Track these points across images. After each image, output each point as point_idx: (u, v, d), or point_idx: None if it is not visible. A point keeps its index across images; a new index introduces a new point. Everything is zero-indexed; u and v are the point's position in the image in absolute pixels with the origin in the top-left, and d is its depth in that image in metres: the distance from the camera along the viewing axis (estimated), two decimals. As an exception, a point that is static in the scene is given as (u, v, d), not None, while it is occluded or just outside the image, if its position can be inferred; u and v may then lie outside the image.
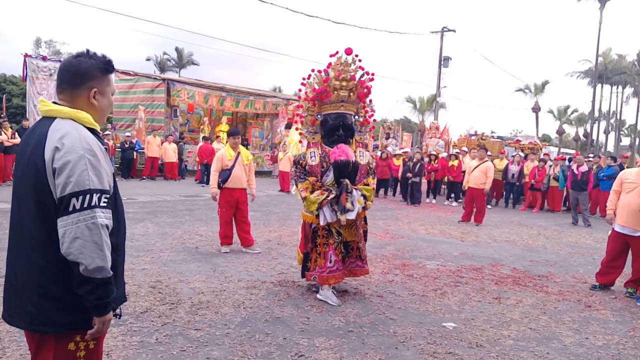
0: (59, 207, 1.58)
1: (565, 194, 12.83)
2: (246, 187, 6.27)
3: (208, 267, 5.32)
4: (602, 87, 43.10)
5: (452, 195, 13.75)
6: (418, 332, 3.76)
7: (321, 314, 4.06)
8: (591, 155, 15.81)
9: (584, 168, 10.74)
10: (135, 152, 15.53)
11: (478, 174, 9.73)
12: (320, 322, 3.86)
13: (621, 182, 5.29)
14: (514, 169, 13.26)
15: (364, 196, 4.45)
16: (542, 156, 14.60)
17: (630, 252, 5.18)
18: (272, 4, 16.81)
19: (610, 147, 48.65)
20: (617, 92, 46.16)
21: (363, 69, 4.52)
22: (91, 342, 1.73)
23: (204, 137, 16.56)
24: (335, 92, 4.45)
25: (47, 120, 1.70)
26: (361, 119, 4.71)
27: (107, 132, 14.64)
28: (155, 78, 18.36)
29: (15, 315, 1.72)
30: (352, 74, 4.49)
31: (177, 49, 43.85)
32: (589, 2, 45.80)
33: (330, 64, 4.52)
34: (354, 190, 4.34)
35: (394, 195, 14.90)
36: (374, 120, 4.97)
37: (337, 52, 4.51)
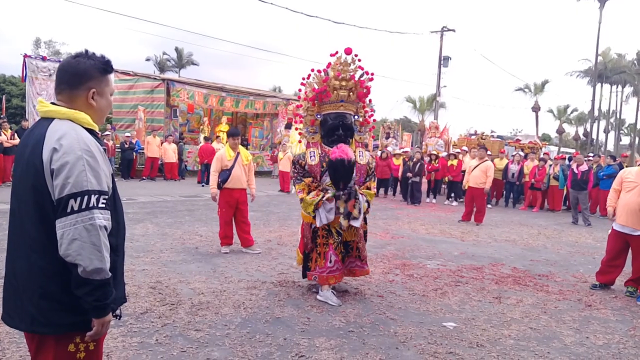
0: (57, 208, 1.58)
1: (565, 193, 12.83)
2: (246, 187, 6.27)
3: (208, 268, 5.32)
4: (601, 86, 43.11)
5: (452, 194, 13.76)
6: (418, 332, 3.75)
7: (321, 314, 4.06)
8: (591, 154, 15.79)
9: (584, 167, 10.74)
10: (135, 153, 15.52)
11: (478, 174, 9.73)
12: (320, 323, 3.86)
13: (621, 181, 5.29)
14: (514, 168, 13.26)
15: (368, 202, 4.47)
16: (541, 155, 14.59)
17: (630, 251, 5.18)
18: (272, 4, 16.82)
19: (610, 146, 48.70)
20: (616, 91, 46.23)
21: (362, 69, 4.52)
22: (91, 343, 1.73)
23: (205, 138, 16.57)
24: (335, 91, 4.44)
25: (46, 121, 1.69)
26: (361, 119, 4.70)
27: (106, 133, 14.64)
28: (154, 78, 18.36)
29: (16, 316, 1.71)
30: (351, 73, 4.48)
31: (176, 49, 43.88)
32: (588, 2, 45.79)
33: (329, 63, 4.52)
34: (360, 196, 4.34)
35: (394, 195, 14.90)
36: (374, 120, 4.96)
37: (336, 52, 4.51)
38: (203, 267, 5.32)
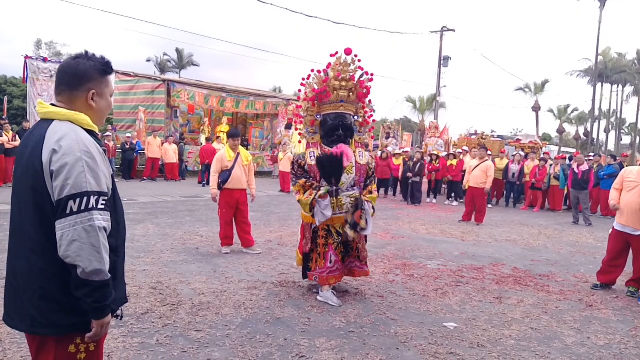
0: (57, 209, 1.58)
1: (566, 193, 12.82)
2: (246, 187, 6.27)
3: (209, 268, 5.32)
4: (602, 85, 43.07)
5: (453, 194, 13.75)
6: (419, 333, 3.75)
7: (322, 314, 4.06)
8: (592, 154, 15.77)
9: (585, 167, 10.73)
10: (135, 153, 15.54)
11: (478, 174, 9.72)
12: (321, 323, 3.86)
13: (622, 181, 5.28)
14: (514, 168, 13.26)
15: (373, 207, 4.48)
16: (541, 155, 14.58)
17: (631, 251, 5.18)
18: (271, 4, 16.84)
19: (611, 146, 48.64)
20: (617, 91, 46.19)
21: (362, 69, 4.52)
22: (91, 344, 1.73)
23: (207, 139, 16.60)
24: (335, 92, 4.45)
25: (46, 122, 1.70)
26: (360, 119, 4.70)
27: (107, 133, 14.66)
28: (155, 79, 18.38)
29: (16, 317, 1.72)
30: (351, 74, 4.48)
31: (177, 50, 43.93)
32: (588, 1, 45.78)
33: (329, 64, 4.52)
34: (366, 204, 4.35)
35: (394, 195, 14.90)
36: (374, 121, 4.97)
37: (336, 53, 4.51)
38: (204, 268, 5.32)
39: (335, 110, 4.50)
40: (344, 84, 4.45)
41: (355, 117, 4.63)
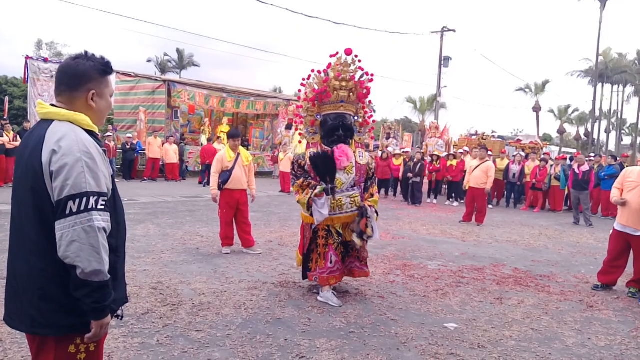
0: (57, 210, 1.58)
1: (566, 193, 12.81)
2: (246, 188, 6.27)
3: (209, 268, 5.32)
4: (602, 86, 43.05)
5: (453, 195, 13.74)
6: (419, 333, 3.75)
7: (322, 315, 4.06)
8: (592, 154, 15.76)
9: (585, 167, 10.72)
10: (136, 154, 15.55)
11: (479, 174, 9.72)
12: (321, 323, 3.86)
13: (623, 180, 5.28)
14: (515, 168, 13.25)
15: (376, 211, 4.50)
16: (541, 156, 14.58)
17: (632, 251, 5.17)
18: (272, 4, 16.85)
19: (612, 146, 48.60)
20: (617, 91, 46.16)
21: (363, 70, 4.52)
22: (91, 344, 1.73)
23: (208, 139, 16.62)
24: (335, 92, 4.45)
25: (45, 122, 1.70)
26: (360, 120, 4.71)
27: (108, 134, 14.67)
28: (156, 79, 18.40)
29: (16, 318, 1.72)
30: (351, 74, 4.48)
31: (178, 50, 43.96)
32: (589, 2, 45.78)
33: (330, 64, 4.52)
34: (368, 208, 4.36)
35: (394, 195, 14.89)
36: (374, 121, 4.97)
37: (337, 53, 4.52)
38: (204, 268, 5.32)
39: (336, 110, 4.50)
40: (344, 84, 4.44)
41: (356, 118, 4.63)
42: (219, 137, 16.60)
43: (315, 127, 4.62)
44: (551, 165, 12.88)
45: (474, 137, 17.26)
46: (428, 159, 14.02)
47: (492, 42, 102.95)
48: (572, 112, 48.92)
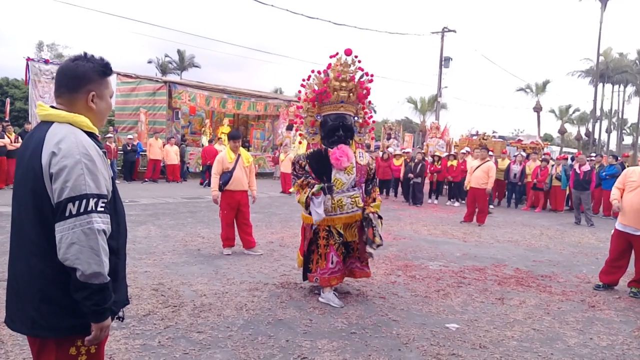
0: (56, 212, 1.58)
1: (567, 193, 12.80)
2: (247, 189, 6.27)
3: (210, 270, 5.32)
4: (603, 86, 43.01)
5: (454, 195, 13.72)
6: (421, 334, 3.74)
7: (324, 315, 4.05)
8: (593, 154, 15.75)
9: (586, 167, 10.71)
10: (137, 155, 15.55)
11: (480, 174, 9.71)
12: (322, 324, 3.85)
13: (624, 180, 5.27)
14: (516, 168, 13.24)
15: (380, 217, 4.51)
16: (542, 156, 14.56)
17: (633, 251, 5.16)
18: (272, 5, 16.88)
19: (613, 146, 48.56)
20: (618, 91, 46.12)
21: (362, 70, 4.52)
22: (92, 346, 1.72)
23: (209, 140, 16.62)
24: (335, 92, 4.45)
25: (45, 124, 1.69)
26: (360, 120, 4.71)
27: (109, 135, 14.68)
28: (157, 80, 18.41)
29: (17, 320, 1.72)
30: (351, 74, 4.48)
31: (178, 52, 44.02)
32: (590, 2, 45.71)
33: (330, 64, 4.52)
34: (372, 218, 4.38)
35: (395, 196, 14.88)
36: (374, 122, 4.96)
37: (336, 53, 4.52)
38: (205, 269, 5.32)
39: (336, 110, 4.50)
40: (344, 84, 4.44)
41: (355, 118, 4.63)
42: (219, 138, 16.61)
43: (315, 127, 4.62)
44: (552, 165, 12.86)
45: (474, 138, 17.25)
46: (429, 159, 14.00)
47: (492, 42, 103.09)
48: (573, 112, 48.93)
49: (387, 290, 4.86)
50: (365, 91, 4.57)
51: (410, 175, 12.76)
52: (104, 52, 1.81)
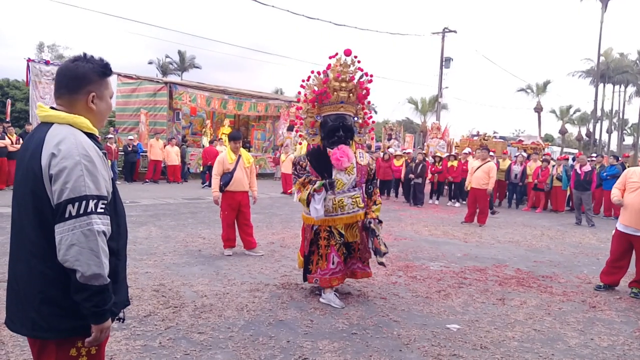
0: (56, 213, 1.58)
1: (568, 194, 12.78)
2: (248, 190, 6.27)
3: (211, 270, 5.32)
4: (604, 86, 42.99)
5: (455, 195, 13.72)
6: (422, 334, 3.74)
7: (324, 316, 4.05)
8: (594, 154, 15.74)
9: (587, 168, 10.70)
10: (137, 156, 15.56)
11: (480, 175, 9.70)
12: (323, 325, 3.85)
13: (625, 181, 5.26)
14: (517, 169, 13.23)
15: (380, 220, 4.57)
16: (543, 156, 14.55)
17: (634, 251, 5.15)
18: (273, 6, 16.86)
19: (613, 147, 48.50)
20: (619, 91, 46.05)
21: (362, 70, 4.52)
22: (93, 347, 1.72)
23: (210, 141, 16.62)
24: (335, 93, 4.45)
25: (45, 125, 1.69)
26: (360, 121, 4.71)
27: (110, 136, 14.70)
28: (157, 81, 18.42)
29: (17, 321, 1.71)
30: (351, 75, 4.48)
31: (179, 52, 44.09)
32: (590, 2, 45.68)
33: (329, 65, 4.53)
34: (375, 228, 4.45)
35: (396, 196, 14.88)
36: (374, 122, 4.97)
37: (336, 54, 4.52)
38: (206, 270, 5.32)
39: (336, 111, 4.50)
40: (343, 84, 4.44)
41: (355, 118, 4.63)
42: (220, 139, 16.61)
43: (315, 128, 4.62)
44: (553, 166, 12.85)
45: (475, 138, 17.25)
46: (430, 159, 13.98)
47: (493, 42, 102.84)
48: (574, 113, 48.89)
49: (388, 290, 4.86)
50: (365, 91, 4.57)
51: (411, 175, 12.76)
52: (105, 53, 1.82)
